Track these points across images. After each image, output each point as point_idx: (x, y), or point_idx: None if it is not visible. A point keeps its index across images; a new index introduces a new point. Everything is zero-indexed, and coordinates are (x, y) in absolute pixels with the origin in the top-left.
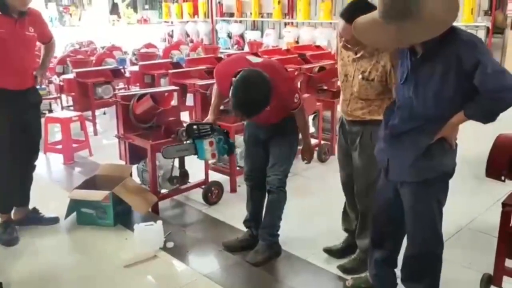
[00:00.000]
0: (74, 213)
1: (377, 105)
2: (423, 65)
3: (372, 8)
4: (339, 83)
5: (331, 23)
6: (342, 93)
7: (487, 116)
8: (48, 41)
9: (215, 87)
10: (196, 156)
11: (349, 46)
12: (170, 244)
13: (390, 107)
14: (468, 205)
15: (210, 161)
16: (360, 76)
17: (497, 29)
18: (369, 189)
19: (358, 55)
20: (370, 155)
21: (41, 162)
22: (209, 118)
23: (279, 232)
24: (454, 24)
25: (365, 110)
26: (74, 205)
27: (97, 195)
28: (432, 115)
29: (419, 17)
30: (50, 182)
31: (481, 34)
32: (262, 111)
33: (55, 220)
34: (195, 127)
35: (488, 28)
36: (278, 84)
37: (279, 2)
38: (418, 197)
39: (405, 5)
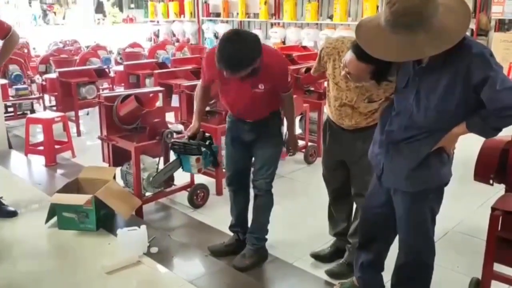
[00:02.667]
0: (55, 218)
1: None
2: (428, 74)
3: None
4: (326, 85)
5: (317, 23)
6: (341, 109)
7: (490, 132)
8: (4, 35)
9: (197, 90)
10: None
11: (349, 78)
12: (154, 249)
13: (387, 110)
14: (454, 207)
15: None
16: (366, 101)
17: (481, 31)
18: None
19: (366, 83)
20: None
21: (22, 164)
22: (194, 125)
23: (267, 236)
24: None
25: (369, 119)
26: (55, 209)
27: (79, 199)
28: (432, 125)
29: (428, 28)
30: (31, 184)
31: None
32: (248, 68)
33: (13, 214)
34: (181, 144)
35: (472, 30)
36: (275, 64)
37: (265, 3)
38: (412, 206)
39: (414, 14)
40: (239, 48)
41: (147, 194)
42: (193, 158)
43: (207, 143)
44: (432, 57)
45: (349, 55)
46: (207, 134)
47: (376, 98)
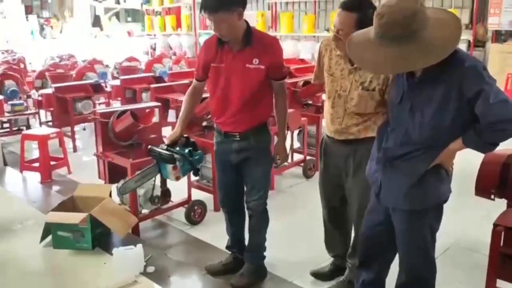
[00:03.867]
0: (50, 236)
1: (373, 121)
2: (421, 88)
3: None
4: (324, 98)
5: (314, 36)
6: (333, 111)
7: (486, 147)
8: None
9: (187, 92)
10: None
11: (339, 37)
12: (151, 269)
13: (383, 126)
14: (454, 222)
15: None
16: (360, 88)
17: (478, 42)
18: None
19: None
20: (365, 178)
21: (17, 181)
22: (175, 131)
23: (265, 254)
24: None
25: (360, 127)
26: (50, 228)
27: (74, 217)
28: (428, 141)
29: (418, 41)
30: (26, 202)
31: (463, 47)
32: (228, 9)
33: None
34: (156, 152)
35: (469, 41)
36: (269, 38)
37: (262, 15)
38: (411, 225)
39: (404, 26)
40: None
41: (144, 211)
42: (169, 166)
43: (187, 150)
44: (425, 71)
45: (337, 12)
46: (191, 140)
47: (369, 86)
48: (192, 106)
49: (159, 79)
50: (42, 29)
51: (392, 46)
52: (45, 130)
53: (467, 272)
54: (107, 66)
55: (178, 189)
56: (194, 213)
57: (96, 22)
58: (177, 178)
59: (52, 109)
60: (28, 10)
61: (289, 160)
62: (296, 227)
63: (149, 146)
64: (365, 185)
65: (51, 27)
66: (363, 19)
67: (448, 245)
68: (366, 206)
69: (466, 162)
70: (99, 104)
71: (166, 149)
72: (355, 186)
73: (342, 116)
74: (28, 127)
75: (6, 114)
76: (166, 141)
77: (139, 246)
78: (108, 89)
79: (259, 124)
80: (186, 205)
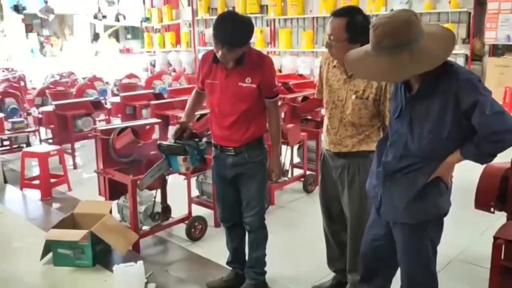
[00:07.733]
0: (51, 254)
1: (367, 134)
2: (419, 102)
3: (365, 17)
4: (323, 111)
5: (313, 51)
6: (329, 122)
7: (484, 158)
8: None
9: (191, 95)
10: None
11: (331, 43)
12: (151, 286)
13: (383, 141)
14: (456, 235)
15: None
16: (353, 96)
17: (476, 56)
18: (362, 226)
19: (351, 73)
20: (360, 191)
21: (17, 198)
22: (182, 120)
23: (266, 269)
24: None
25: (354, 140)
26: (51, 246)
27: (75, 234)
28: (427, 154)
29: (412, 51)
30: (26, 219)
31: (460, 62)
32: (245, 42)
33: None
34: (166, 145)
35: (466, 55)
36: (261, 56)
37: (261, 32)
38: (411, 238)
39: (397, 37)
40: (239, 20)
41: (144, 228)
42: (180, 158)
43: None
44: (421, 85)
45: (329, 20)
46: (194, 131)
47: (362, 95)
48: (196, 105)
49: (158, 96)
50: (42, 47)
51: (385, 56)
52: (45, 148)
53: (469, 285)
54: (107, 83)
55: (179, 205)
56: (195, 229)
57: (96, 39)
58: (187, 169)
59: (52, 126)
60: (28, 28)
61: (289, 175)
62: (297, 242)
63: (158, 142)
64: (359, 201)
65: (51, 45)
66: (353, 23)
67: (449, 259)
68: (360, 222)
69: (466, 175)
70: (99, 121)
71: (175, 142)
72: (349, 200)
73: (337, 127)
74: (29, 144)
75: (7, 132)
76: (170, 136)
77: (140, 263)
78: (108, 106)
79: (253, 139)
80: (186, 221)
